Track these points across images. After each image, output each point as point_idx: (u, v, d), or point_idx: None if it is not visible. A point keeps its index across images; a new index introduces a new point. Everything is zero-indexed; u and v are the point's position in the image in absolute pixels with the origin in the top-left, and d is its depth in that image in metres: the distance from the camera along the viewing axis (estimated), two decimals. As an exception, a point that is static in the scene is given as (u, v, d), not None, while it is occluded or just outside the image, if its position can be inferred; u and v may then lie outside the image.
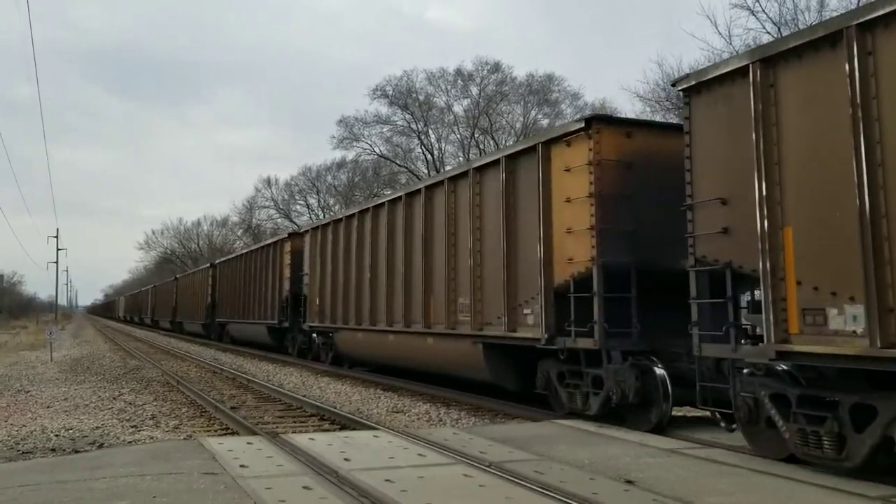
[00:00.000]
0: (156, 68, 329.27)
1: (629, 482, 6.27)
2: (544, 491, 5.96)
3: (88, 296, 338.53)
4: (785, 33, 25.33)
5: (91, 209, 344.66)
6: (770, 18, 27.47)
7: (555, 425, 9.52)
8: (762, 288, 6.93)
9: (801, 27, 25.65)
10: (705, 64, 27.60)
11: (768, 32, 27.10)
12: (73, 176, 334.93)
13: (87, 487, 6.23)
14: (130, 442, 9.70)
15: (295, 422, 11.49)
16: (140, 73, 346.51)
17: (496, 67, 51.24)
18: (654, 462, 7.16)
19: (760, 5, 27.34)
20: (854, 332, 6.15)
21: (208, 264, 39.53)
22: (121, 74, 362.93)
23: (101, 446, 9.42)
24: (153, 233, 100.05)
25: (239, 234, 79.05)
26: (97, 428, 10.72)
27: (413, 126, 52.93)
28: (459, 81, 51.60)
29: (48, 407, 13.15)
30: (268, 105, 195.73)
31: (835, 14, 25.90)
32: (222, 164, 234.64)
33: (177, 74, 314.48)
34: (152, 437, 10.06)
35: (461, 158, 49.33)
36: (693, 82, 7.87)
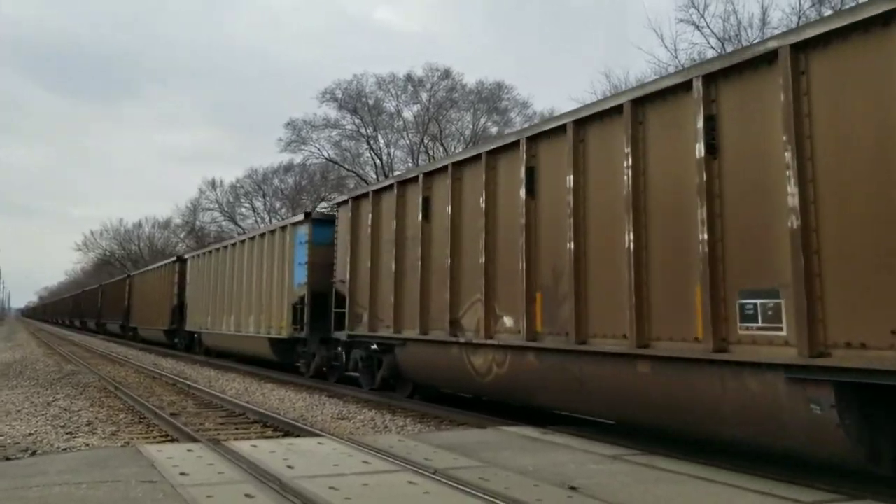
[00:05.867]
0: (89, 65, 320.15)
1: (573, 489, 6.33)
2: (489, 497, 5.98)
3: (21, 298, 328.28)
4: (729, 49, 25.98)
5: (22, 209, 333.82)
6: (714, 34, 28.28)
7: (500, 432, 9.55)
8: None
9: (745, 43, 26.37)
10: (652, 76, 28.17)
11: (713, 48, 27.86)
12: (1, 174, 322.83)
13: (20, 496, 6.02)
14: (65, 449, 9.39)
15: (237, 428, 11.30)
16: (72, 68, 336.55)
17: (446, 74, 51.61)
18: (598, 469, 7.24)
19: (705, 21, 28.13)
20: None
21: (174, 258, 33.69)
22: (51, 69, 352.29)
23: (34, 453, 9.10)
24: (91, 234, 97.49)
25: (182, 236, 77.71)
26: (30, 434, 10.36)
27: (362, 130, 52.84)
28: (410, 87, 51.77)
29: (-22, 413, 12.69)
30: (210, 106, 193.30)
31: (776, 31, 26.79)
32: (163, 166, 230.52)
33: (111, 72, 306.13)
34: (88, 444, 9.78)
35: (410, 164, 49.37)
36: None
